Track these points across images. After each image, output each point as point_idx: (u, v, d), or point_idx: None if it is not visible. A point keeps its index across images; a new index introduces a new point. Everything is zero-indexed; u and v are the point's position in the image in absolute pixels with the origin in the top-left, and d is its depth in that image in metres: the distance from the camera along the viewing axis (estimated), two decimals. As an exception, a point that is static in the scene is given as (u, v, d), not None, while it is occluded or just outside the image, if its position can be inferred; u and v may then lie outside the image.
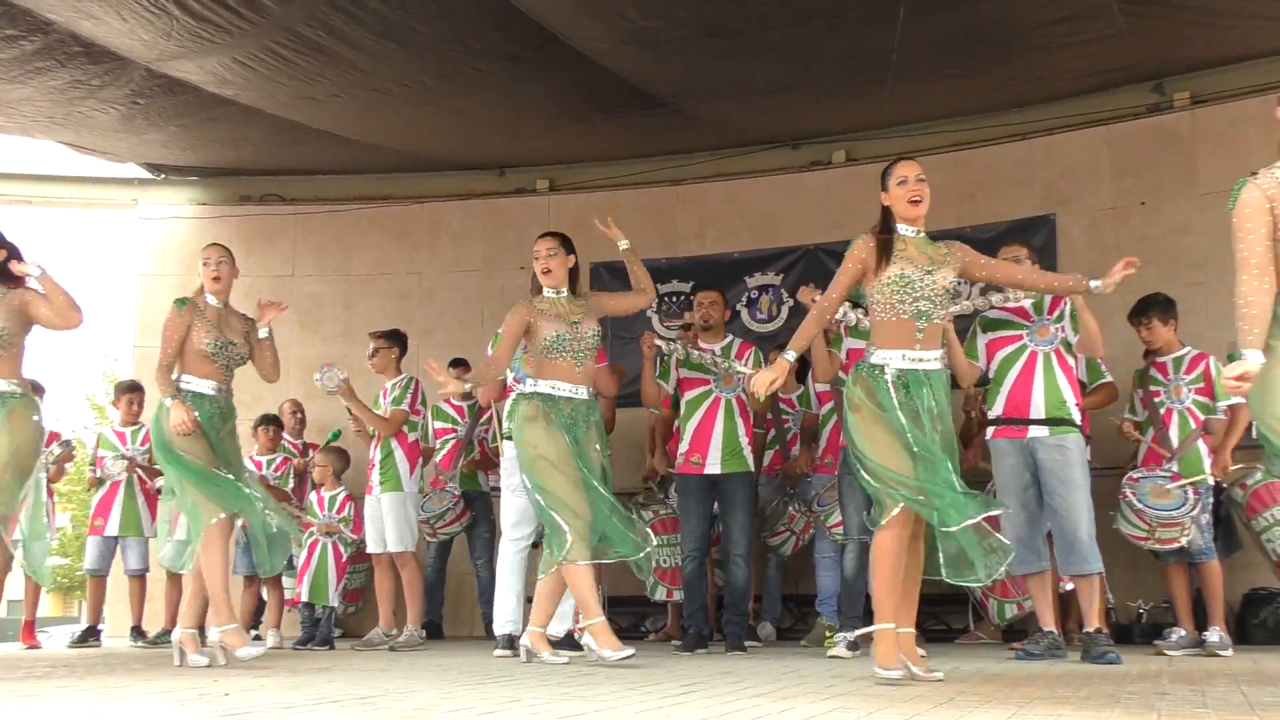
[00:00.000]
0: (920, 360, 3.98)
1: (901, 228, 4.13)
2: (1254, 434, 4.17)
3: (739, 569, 5.93)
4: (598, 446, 4.99)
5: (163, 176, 9.24)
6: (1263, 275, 3.15)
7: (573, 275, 5.18)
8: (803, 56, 6.68)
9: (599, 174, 8.69)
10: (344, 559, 7.14)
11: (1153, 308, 5.81)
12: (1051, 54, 6.74)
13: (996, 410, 5.32)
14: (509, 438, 5.68)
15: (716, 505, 6.04)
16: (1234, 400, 5.47)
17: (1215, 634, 5.37)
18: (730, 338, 6.09)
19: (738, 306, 8.20)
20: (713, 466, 5.92)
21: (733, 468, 5.92)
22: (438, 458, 7.39)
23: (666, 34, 6.34)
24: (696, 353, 5.96)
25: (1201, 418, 5.67)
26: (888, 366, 3.97)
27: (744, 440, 5.96)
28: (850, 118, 7.78)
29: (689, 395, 6.02)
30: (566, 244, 5.19)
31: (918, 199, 4.11)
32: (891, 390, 3.92)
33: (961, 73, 7.05)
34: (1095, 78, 7.16)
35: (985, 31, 6.42)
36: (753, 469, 6.08)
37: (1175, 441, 5.64)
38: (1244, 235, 3.16)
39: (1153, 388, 5.85)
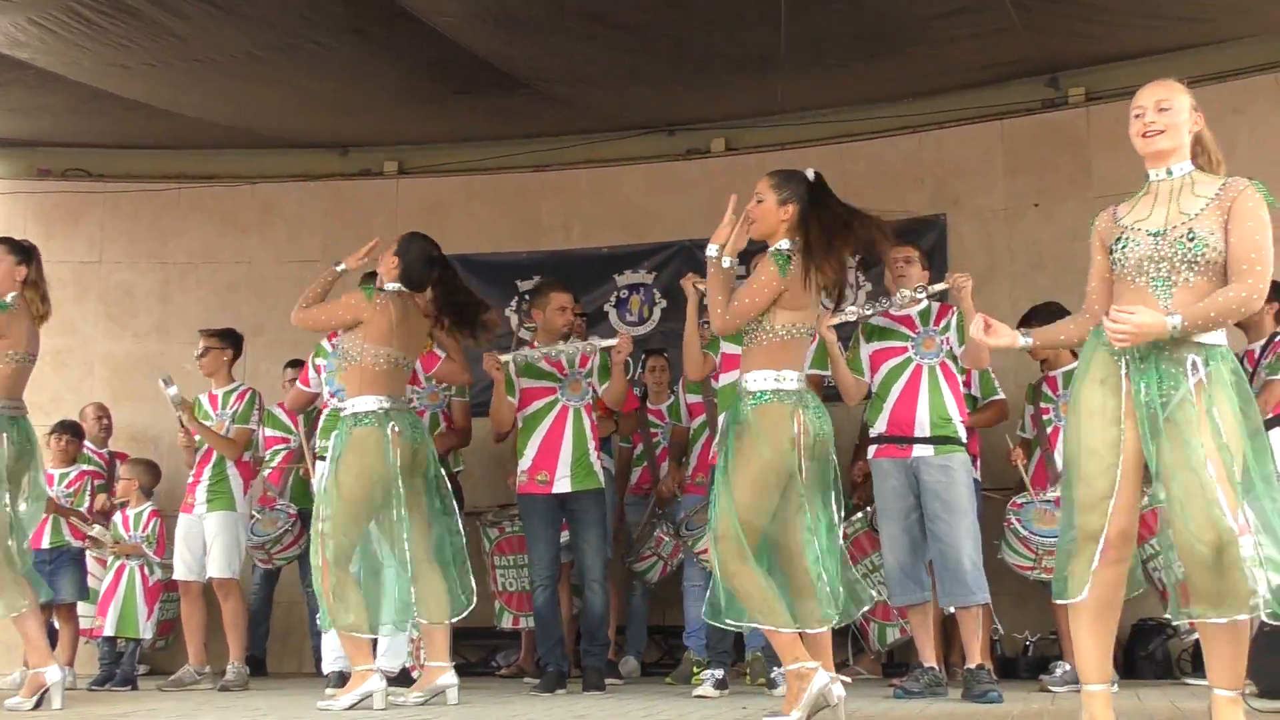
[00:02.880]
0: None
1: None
2: None
3: (596, 595, 5.53)
4: None
5: (-55, 146, 8.33)
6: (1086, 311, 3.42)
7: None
8: (678, 43, 6.45)
9: (454, 157, 8.16)
10: (153, 585, 6.43)
11: (1039, 318, 5.49)
12: (942, 47, 6.61)
13: (879, 428, 5.08)
14: None
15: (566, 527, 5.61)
16: None
17: (1100, 669, 5.11)
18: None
19: (605, 307, 7.76)
20: (562, 484, 5.46)
21: (584, 484, 5.47)
22: (266, 471, 6.74)
23: (527, 13, 6.05)
24: (541, 354, 5.46)
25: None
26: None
27: (593, 453, 5.52)
28: (731, 105, 7.45)
29: (530, 408, 5.53)
30: None
31: None
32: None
33: (849, 64, 6.86)
34: (988, 71, 6.99)
35: (873, 23, 6.30)
36: (604, 485, 5.66)
37: (1061, 463, 5.34)
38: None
39: (1043, 404, 5.64)
